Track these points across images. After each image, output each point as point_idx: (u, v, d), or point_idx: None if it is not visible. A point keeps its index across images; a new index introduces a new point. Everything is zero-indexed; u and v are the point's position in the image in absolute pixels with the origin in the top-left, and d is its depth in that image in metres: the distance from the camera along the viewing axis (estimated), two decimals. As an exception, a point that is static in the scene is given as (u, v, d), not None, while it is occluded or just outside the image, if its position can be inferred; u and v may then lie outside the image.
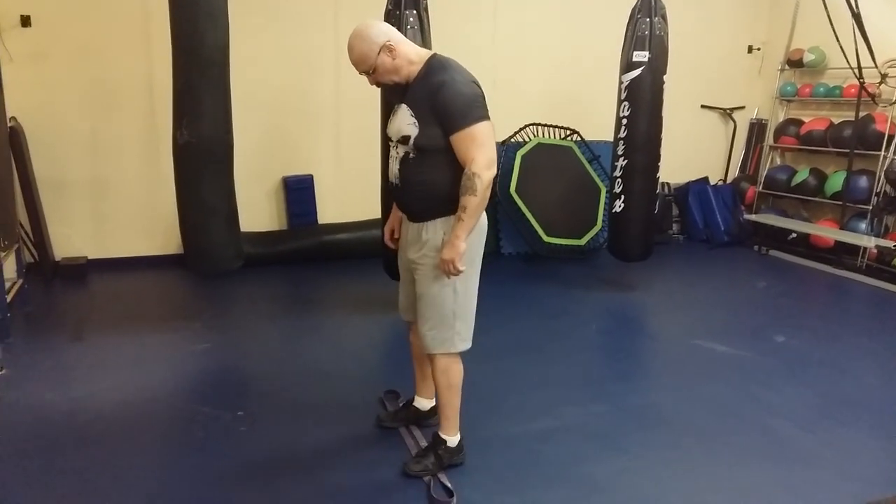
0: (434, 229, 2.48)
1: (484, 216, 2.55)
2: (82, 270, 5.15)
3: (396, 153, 2.49)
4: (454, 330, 2.54)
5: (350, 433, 3.04)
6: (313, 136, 5.69)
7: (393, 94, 2.58)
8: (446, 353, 2.56)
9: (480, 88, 2.43)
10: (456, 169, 2.38)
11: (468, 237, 2.41)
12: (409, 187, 2.50)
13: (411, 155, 2.43)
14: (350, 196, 5.71)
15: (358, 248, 5.49)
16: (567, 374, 3.73)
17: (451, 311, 2.51)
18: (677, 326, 4.50)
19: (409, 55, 2.43)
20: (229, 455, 2.84)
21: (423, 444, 2.85)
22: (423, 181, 2.45)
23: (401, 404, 3.13)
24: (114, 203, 5.32)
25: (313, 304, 4.80)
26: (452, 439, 2.72)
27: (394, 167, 2.51)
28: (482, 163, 2.32)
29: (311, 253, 5.53)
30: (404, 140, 2.43)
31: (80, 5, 4.74)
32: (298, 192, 5.62)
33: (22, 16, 4.76)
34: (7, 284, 4.13)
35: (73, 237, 5.25)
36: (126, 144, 5.24)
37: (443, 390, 2.64)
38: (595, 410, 3.29)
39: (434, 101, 2.34)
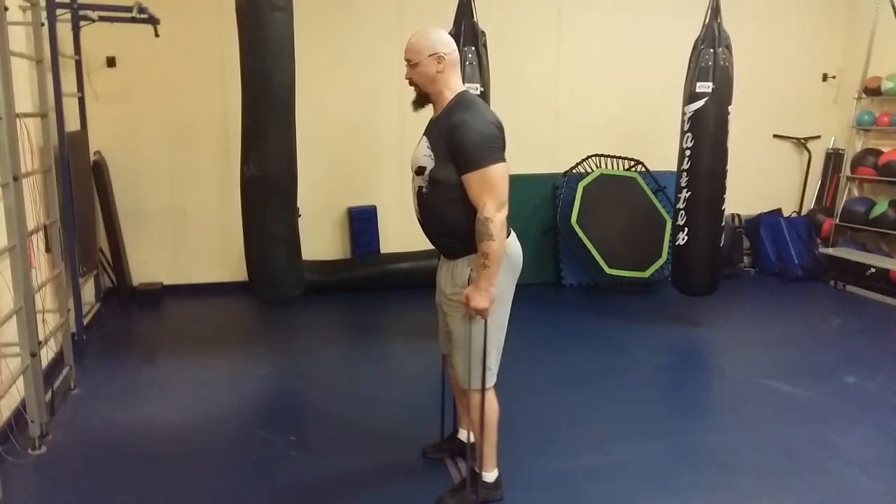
0: (462, 267, 2.51)
1: (518, 250, 2.58)
2: (157, 296, 5.41)
3: (414, 186, 2.55)
4: (486, 365, 2.55)
5: (397, 462, 3.07)
6: (377, 167, 5.83)
7: (417, 104, 2.60)
8: (480, 389, 2.58)
9: (501, 130, 2.47)
10: (470, 206, 2.40)
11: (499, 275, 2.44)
12: (427, 223, 2.57)
13: (425, 189, 2.48)
14: (412, 226, 5.66)
15: (419, 277, 5.55)
16: (622, 410, 3.66)
17: (482, 346, 2.53)
18: (742, 364, 4.35)
19: (450, 81, 2.50)
20: (278, 478, 2.92)
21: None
22: (439, 217, 2.50)
23: (446, 436, 3.14)
24: (189, 232, 5.58)
25: (373, 332, 4.89)
26: (489, 475, 2.72)
27: (414, 202, 2.58)
28: (492, 207, 2.34)
29: (373, 281, 5.64)
30: (420, 171, 2.48)
31: (162, 47, 5.04)
32: (362, 223, 5.76)
33: (108, 57, 5.12)
34: (85, 308, 4.39)
35: (150, 264, 5.53)
36: (202, 176, 5.51)
37: (478, 427, 2.65)
38: (648, 448, 3.22)
39: (451, 140, 2.38)
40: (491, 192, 2.34)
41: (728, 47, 4.58)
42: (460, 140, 2.36)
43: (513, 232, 2.61)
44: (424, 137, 2.51)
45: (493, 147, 2.39)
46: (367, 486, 2.89)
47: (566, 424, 3.45)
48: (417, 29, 2.54)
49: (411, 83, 2.55)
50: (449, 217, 2.46)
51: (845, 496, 2.83)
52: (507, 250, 2.51)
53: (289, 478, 2.93)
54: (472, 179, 2.36)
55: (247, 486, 2.87)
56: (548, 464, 3.06)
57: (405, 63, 2.53)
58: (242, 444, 3.24)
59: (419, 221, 2.61)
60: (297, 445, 3.22)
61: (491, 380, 2.60)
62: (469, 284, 2.47)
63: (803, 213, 6.77)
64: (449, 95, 2.49)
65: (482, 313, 2.44)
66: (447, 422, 3.13)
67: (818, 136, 6.73)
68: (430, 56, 2.45)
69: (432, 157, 2.44)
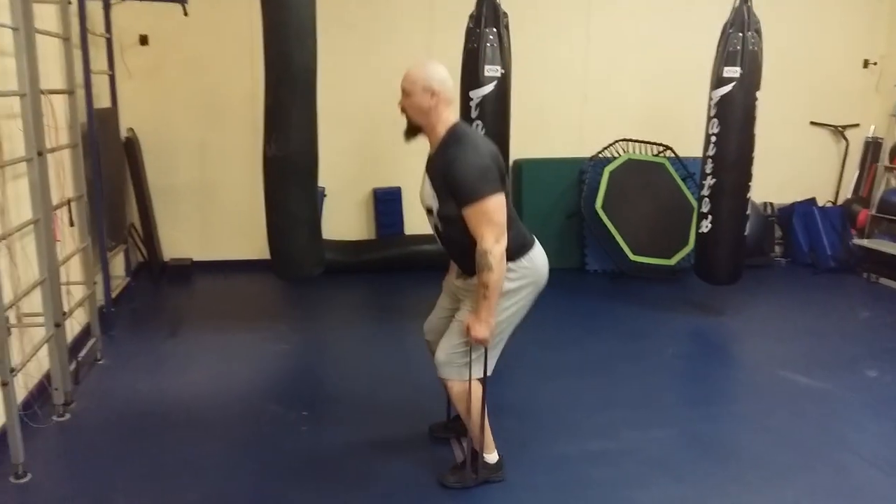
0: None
1: (543, 262, 2.63)
2: (187, 271, 5.54)
3: (430, 222, 2.62)
4: (469, 359, 2.59)
5: (404, 439, 3.13)
6: (403, 149, 5.69)
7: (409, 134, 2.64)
8: (458, 379, 2.62)
9: (495, 160, 2.49)
10: None
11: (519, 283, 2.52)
12: (451, 254, 2.64)
13: (440, 227, 2.55)
14: (437, 208, 5.83)
15: (442, 260, 5.56)
16: (634, 396, 3.65)
17: (472, 344, 2.57)
18: (761, 355, 4.30)
19: (443, 116, 2.52)
20: (286, 451, 3.01)
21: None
22: (461, 249, 2.53)
23: (452, 416, 3.18)
24: (219, 209, 5.69)
25: (393, 313, 4.94)
26: (490, 456, 2.76)
27: (434, 234, 2.64)
28: (490, 239, 2.38)
29: (396, 262, 5.69)
30: (430, 211, 2.55)
31: (194, 26, 5.12)
32: (387, 204, 5.81)
33: (141, 35, 5.22)
34: (115, 282, 4.52)
35: (181, 240, 5.65)
36: (232, 154, 5.59)
37: (463, 415, 2.70)
38: (656, 435, 3.21)
39: (446, 176, 2.43)
40: (488, 223, 2.39)
41: (758, 31, 4.47)
42: (454, 175, 2.40)
43: (538, 244, 2.66)
44: (426, 176, 2.57)
45: (488, 179, 2.42)
46: (372, 462, 2.95)
47: (575, 409, 3.46)
48: (415, 62, 2.57)
49: (403, 111, 2.59)
50: (469, 247, 2.47)
51: (855, 492, 2.79)
52: (532, 263, 2.58)
53: (296, 452, 3.01)
54: (469, 213, 2.41)
55: (258, 458, 2.96)
56: (553, 447, 3.08)
57: (401, 91, 2.55)
58: (256, 418, 3.33)
59: (444, 249, 2.68)
60: (309, 420, 3.29)
61: (466, 373, 2.62)
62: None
63: (839, 203, 6.61)
64: (441, 130, 2.52)
65: (483, 343, 2.50)
66: (453, 402, 3.17)
67: (857, 125, 6.54)
68: (423, 89, 2.47)
69: (436, 196, 2.49)
